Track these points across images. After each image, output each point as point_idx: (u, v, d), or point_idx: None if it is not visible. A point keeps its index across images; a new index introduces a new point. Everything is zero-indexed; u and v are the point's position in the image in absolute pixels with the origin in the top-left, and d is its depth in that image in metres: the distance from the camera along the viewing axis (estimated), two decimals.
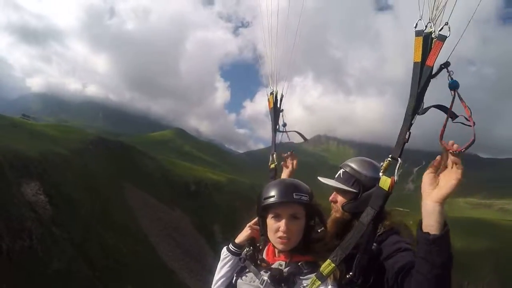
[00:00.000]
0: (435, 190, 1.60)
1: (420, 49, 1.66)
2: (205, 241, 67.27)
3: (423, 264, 1.58)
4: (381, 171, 1.79)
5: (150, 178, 74.08)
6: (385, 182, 1.74)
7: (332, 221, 2.52)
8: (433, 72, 1.68)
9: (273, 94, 3.39)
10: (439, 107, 1.69)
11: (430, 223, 1.57)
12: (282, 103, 3.44)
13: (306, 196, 2.02)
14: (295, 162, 3.41)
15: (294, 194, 1.98)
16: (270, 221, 2.04)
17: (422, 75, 1.65)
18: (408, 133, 1.70)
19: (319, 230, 2.29)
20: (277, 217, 2.00)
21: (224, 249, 2.48)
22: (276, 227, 2.00)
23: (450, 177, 1.55)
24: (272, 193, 2.02)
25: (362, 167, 2.48)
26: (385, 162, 1.79)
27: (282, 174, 3.36)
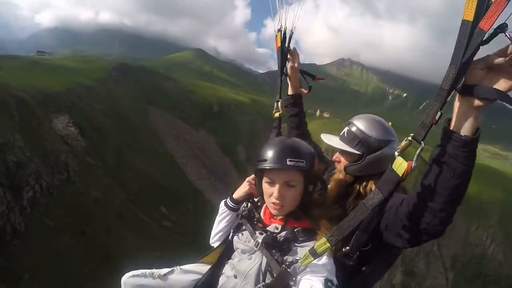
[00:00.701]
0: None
1: (475, 4, 1.24)
2: (229, 161, 69.69)
3: (443, 170, 1.36)
4: (398, 150, 1.48)
5: (173, 100, 74.62)
6: (400, 165, 1.43)
7: (334, 181, 2.33)
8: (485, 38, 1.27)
9: (281, 31, 2.89)
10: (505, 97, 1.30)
11: (464, 125, 1.31)
12: (290, 41, 2.92)
13: (303, 162, 1.81)
14: (295, 56, 2.93)
15: (288, 160, 1.79)
16: (265, 185, 1.91)
17: (472, 41, 1.26)
18: (439, 113, 1.33)
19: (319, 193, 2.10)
20: (271, 183, 1.87)
21: (222, 203, 2.36)
22: (269, 192, 1.88)
23: (499, 78, 1.27)
24: (266, 156, 1.84)
25: (368, 127, 2.21)
26: (404, 142, 1.46)
27: (291, 71, 2.93)
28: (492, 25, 1.20)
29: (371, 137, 2.15)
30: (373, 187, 1.74)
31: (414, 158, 1.36)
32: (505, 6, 1.18)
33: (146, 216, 44.79)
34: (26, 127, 37.49)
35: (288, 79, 2.96)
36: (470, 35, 1.24)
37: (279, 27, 2.87)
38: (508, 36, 1.20)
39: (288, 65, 2.88)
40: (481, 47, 1.26)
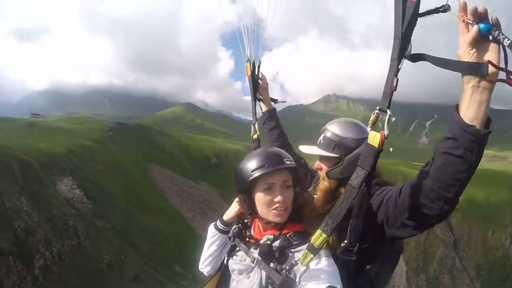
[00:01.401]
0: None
1: None
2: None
3: (458, 163, 1.30)
4: (369, 125, 1.53)
5: (171, 156, 72.45)
6: (374, 137, 1.48)
7: (320, 190, 2.22)
8: (421, 11, 1.38)
9: (250, 61, 3.08)
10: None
11: (478, 116, 1.26)
12: (259, 70, 3.14)
13: (294, 161, 1.82)
14: (263, 77, 3.12)
15: (284, 159, 1.77)
16: (261, 195, 1.79)
17: (406, 12, 1.36)
18: (395, 79, 1.42)
19: (315, 196, 2.14)
20: (270, 189, 1.78)
21: (211, 226, 2.24)
22: (269, 200, 1.78)
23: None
24: (261, 162, 1.76)
25: (341, 129, 2.16)
26: (373, 115, 1.52)
27: (261, 90, 3.16)
28: None
29: (347, 138, 2.11)
30: None
31: (385, 126, 1.43)
32: None
33: (162, 276, 40.58)
34: (30, 190, 34.19)
35: (260, 99, 3.14)
36: (404, 9, 1.36)
37: (247, 58, 3.04)
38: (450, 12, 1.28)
39: (260, 85, 3.07)
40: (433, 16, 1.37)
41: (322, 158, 2.28)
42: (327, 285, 1.49)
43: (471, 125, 1.26)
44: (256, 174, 1.77)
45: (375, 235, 1.80)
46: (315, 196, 2.22)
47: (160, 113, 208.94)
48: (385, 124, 1.44)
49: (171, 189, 63.70)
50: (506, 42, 1.21)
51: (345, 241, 1.68)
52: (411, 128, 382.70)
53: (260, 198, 1.82)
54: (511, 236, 56.97)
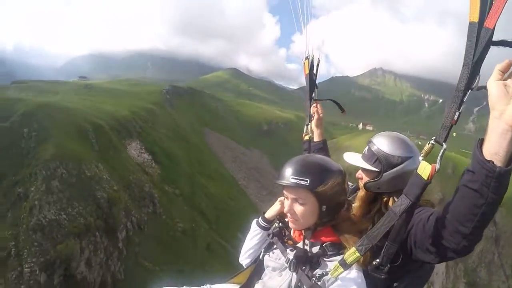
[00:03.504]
0: (509, 106, 1.09)
1: (478, 5, 1.17)
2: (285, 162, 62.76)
3: (474, 197, 1.20)
4: (422, 155, 1.37)
5: (223, 120, 67.81)
6: (424, 169, 1.31)
7: (358, 199, 2.07)
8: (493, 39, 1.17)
9: (308, 59, 2.68)
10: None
11: (497, 150, 1.13)
12: (318, 69, 2.75)
13: (306, 181, 1.57)
14: (319, 109, 2.73)
15: (291, 177, 1.58)
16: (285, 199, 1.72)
17: (479, 40, 1.17)
18: (457, 113, 1.25)
19: (353, 205, 2.01)
20: (286, 198, 1.68)
21: (254, 223, 2.09)
22: (285, 207, 1.69)
23: None
24: (280, 172, 1.66)
25: (386, 144, 1.97)
26: (427, 146, 1.36)
27: (313, 123, 2.80)
28: (496, 22, 1.15)
29: (388, 154, 1.96)
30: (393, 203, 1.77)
31: (438, 160, 1.29)
32: (506, 2, 1.13)
33: (230, 245, 36.97)
34: (106, 156, 30.30)
35: (315, 129, 2.80)
36: (478, 35, 1.19)
37: (306, 55, 2.72)
38: None
39: (314, 118, 2.75)
40: (495, 48, 1.20)
41: (363, 169, 2.06)
42: None
43: (489, 161, 1.13)
44: (275, 180, 1.68)
45: (406, 255, 1.63)
46: (353, 204, 2.03)
47: (205, 77, 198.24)
48: (438, 158, 1.26)
49: (225, 155, 59.61)
50: None
51: (377, 260, 1.56)
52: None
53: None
54: None
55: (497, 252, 50.24)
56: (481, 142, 1.18)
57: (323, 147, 2.80)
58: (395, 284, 1.85)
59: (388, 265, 1.57)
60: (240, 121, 69.57)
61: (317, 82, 2.78)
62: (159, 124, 48.02)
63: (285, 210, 1.67)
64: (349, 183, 2.31)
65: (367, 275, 1.58)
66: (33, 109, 28.70)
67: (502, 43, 1.16)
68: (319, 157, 1.79)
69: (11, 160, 24.06)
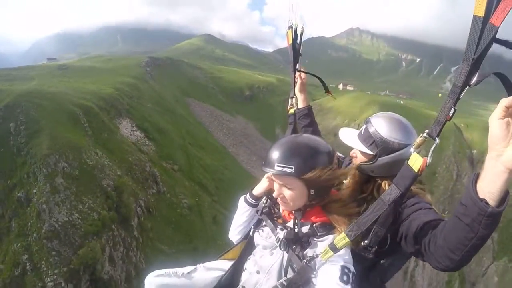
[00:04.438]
0: (509, 148, 1.02)
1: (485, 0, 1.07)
2: (271, 144, 61.07)
3: (465, 230, 1.19)
4: (413, 146, 1.32)
5: (205, 89, 64.29)
6: (415, 161, 1.28)
7: (350, 177, 1.94)
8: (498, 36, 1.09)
9: (292, 28, 2.44)
10: (500, 76, 1.13)
11: (491, 190, 1.08)
12: (302, 38, 2.50)
13: (291, 168, 1.49)
14: (302, 74, 2.56)
15: (276, 164, 1.50)
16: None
17: (483, 37, 1.09)
18: (453, 109, 1.18)
19: (344, 187, 1.94)
20: (274, 181, 1.62)
21: (241, 199, 1.98)
22: (274, 190, 1.64)
23: None
24: (266, 157, 1.56)
25: (384, 127, 1.82)
26: (420, 139, 1.30)
27: (296, 89, 2.61)
28: (503, 20, 1.06)
29: (386, 138, 1.82)
30: (386, 187, 1.72)
31: (429, 154, 1.25)
32: None
33: (232, 215, 36.43)
34: (102, 140, 27.62)
35: (299, 94, 2.61)
36: (482, 31, 1.10)
37: (290, 24, 2.48)
38: None
39: (297, 83, 2.57)
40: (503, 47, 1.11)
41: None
42: (341, 264, 1.44)
43: (481, 199, 1.10)
44: (262, 167, 1.61)
45: (394, 241, 1.64)
46: (344, 181, 1.93)
47: (178, 45, 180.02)
48: (430, 152, 1.24)
49: (212, 123, 57.28)
50: None
51: (366, 242, 1.57)
52: (435, 72, 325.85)
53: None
54: None
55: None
56: (476, 177, 1.13)
57: (308, 113, 2.63)
58: (381, 261, 1.80)
59: (376, 246, 1.56)
60: (221, 88, 66.27)
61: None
62: (144, 98, 44.56)
63: (274, 194, 1.60)
64: (340, 154, 2.20)
65: (354, 253, 1.55)
66: (15, 100, 24.87)
67: (506, 43, 1.09)
68: (307, 139, 1.66)
69: (1, 162, 20.95)
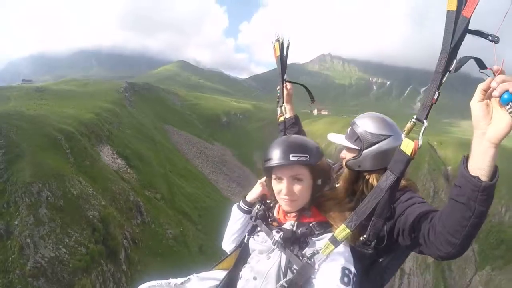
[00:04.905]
0: (491, 126, 1.12)
1: None
2: (249, 171, 60.29)
3: (462, 210, 1.22)
4: (404, 132, 1.38)
5: (182, 115, 63.22)
6: (407, 145, 1.33)
7: (341, 179, 2.04)
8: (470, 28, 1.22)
9: (279, 41, 2.55)
10: (477, 60, 1.24)
11: (481, 166, 1.15)
12: (288, 51, 2.59)
13: (306, 156, 1.56)
14: (288, 85, 2.65)
15: (291, 155, 1.55)
16: (274, 183, 1.63)
17: (457, 28, 1.22)
18: (437, 93, 1.28)
19: (336, 185, 1.96)
20: (279, 179, 1.60)
21: (235, 207, 1.97)
22: (279, 189, 1.60)
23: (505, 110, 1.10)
24: (271, 155, 1.59)
25: (366, 123, 1.97)
26: (409, 124, 1.36)
27: (288, 98, 2.70)
28: (473, 11, 1.20)
29: (367, 131, 1.95)
30: (375, 182, 1.77)
31: (420, 136, 1.30)
32: None
33: (217, 243, 34.87)
34: (84, 167, 25.86)
35: (286, 105, 2.68)
36: (455, 23, 1.23)
37: (276, 37, 2.61)
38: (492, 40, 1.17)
39: (285, 94, 2.65)
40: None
41: (346, 148, 2.06)
42: (342, 265, 1.42)
43: (474, 176, 1.15)
44: (265, 165, 1.62)
45: (391, 237, 1.65)
46: (337, 185, 1.99)
47: (154, 71, 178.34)
48: (421, 134, 1.29)
49: (190, 150, 56.00)
50: None
51: (364, 236, 1.57)
52: (405, 93, 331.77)
53: (273, 185, 1.65)
54: (506, 206, 56.70)
55: None
56: (466, 158, 1.20)
57: (295, 122, 2.72)
58: (380, 260, 1.80)
59: (375, 240, 1.56)
60: (198, 115, 65.57)
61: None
62: (123, 124, 42.86)
63: (285, 192, 1.57)
64: (329, 160, 2.27)
65: (354, 250, 1.55)
66: None
67: (478, 33, 1.20)
68: (302, 136, 1.78)
69: None
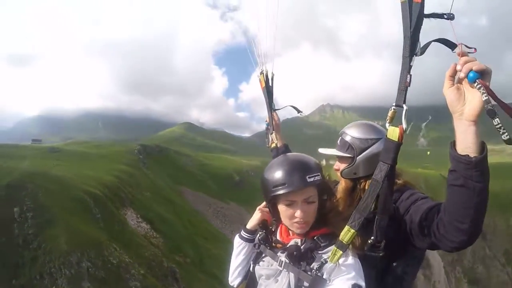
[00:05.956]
0: (465, 106, 1.17)
1: None
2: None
3: (462, 192, 1.20)
4: (387, 121, 1.37)
5: (195, 176, 60.82)
6: (393, 132, 1.32)
7: (338, 192, 2.00)
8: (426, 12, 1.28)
9: (263, 73, 2.62)
10: (440, 41, 1.26)
11: (467, 145, 1.17)
12: (273, 81, 2.65)
13: (319, 175, 1.51)
14: (275, 116, 2.72)
15: (307, 177, 1.47)
16: (283, 208, 1.54)
17: (412, 14, 1.27)
18: (409, 76, 1.30)
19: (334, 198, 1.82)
20: (291, 203, 1.51)
21: (237, 237, 1.94)
22: (290, 214, 1.52)
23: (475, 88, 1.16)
24: (282, 179, 1.48)
25: (354, 130, 1.97)
26: (390, 111, 1.35)
27: (276, 128, 2.68)
28: None
29: (358, 138, 1.94)
30: None
31: (402, 120, 1.30)
32: None
33: None
34: (115, 233, 22.97)
35: (275, 134, 2.69)
36: (410, 11, 1.26)
37: (260, 71, 2.64)
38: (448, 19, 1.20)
39: (274, 123, 2.68)
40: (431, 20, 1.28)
41: (339, 159, 2.05)
42: (353, 282, 1.33)
43: (463, 155, 1.16)
44: (278, 192, 1.49)
45: (400, 238, 1.57)
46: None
47: (160, 133, 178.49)
48: (403, 118, 1.30)
49: (208, 212, 52.60)
50: (484, 98, 1.08)
51: (372, 237, 1.49)
52: (407, 131, 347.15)
53: (283, 211, 1.55)
54: None
55: (487, 246, 52.71)
56: (453, 143, 1.22)
57: (285, 150, 2.61)
58: (394, 264, 1.71)
59: (384, 240, 1.46)
60: (210, 175, 63.36)
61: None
62: (142, 187, 40.18)
63: (301, 215, 1.49)
64: None
65: (364, 259, 1.47)
66: (18, 180, 20.28)
67: (433, 15, 1.24)
68: (300, 154, 1.69)
69: (3, 255, 15.61)
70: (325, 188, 1.55)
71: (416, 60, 1.26)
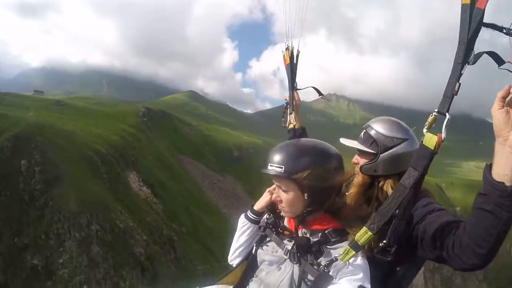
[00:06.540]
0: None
1: None
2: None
3: (489, 218, 1.15)
4: (426, 127, 1.30)
5: (196, 146, 60.11)
6: (430, 140, 1.25)
7: (354, 185, 1.88)
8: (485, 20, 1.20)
9: (288, 49, 2.50)
10: (489, 53, 1.20)
11: (506, 173, 1.12)
12: (298, 59, 2.52)
13: (281, 168, 1.38)
14: (296, 97, 2.62)
15: (269, 164, 1.41)
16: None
17: (472, 19, 1.19)
18: (457, 84, 1.22)
19: (347, 193, 1.77)
20: (276, 187, 1.51)
21: (242, 217, 1.83)
22: (275, 196, 1.52)
23: None
24: (266, 159, 1.48)
25: (382, 126, 1.84)
26: (431, 117, 1.29)
27: (296, 109, 2.62)
28: (487, 2, 1.16)
29: (384, 135, 1.81)
30: (390, 188, 1.68)
31: (443, 130, 1.23)
32: None
33: None
34: (120, 195, 22.66)
35: (294, 115, 2.62)
36: (470, 15, 1.19)
37: (286, 46, 2.52)
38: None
39: (294, 104, 2.63)
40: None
41: (360, 153, 1.93)
42: (360, 284, 1.29)
43: (499, 182, 1.11)
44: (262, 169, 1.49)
45: (409, 245, 1.53)
46: (347, 193, 1.81)
47: (163, 99, 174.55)
48: (443, 127, 1.23)
49: (204, 183, 52.42)
50: None
51: (384, 241, 1.41)
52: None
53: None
54: None
55: None
56: (489, 166, 1.16)
57: (302, 133, 2.59)
58: (397, 268, 1.68)
59: (395, 246, 1.40)
60: (211, 147, 62.69)
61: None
62: (145, 150, 39.55)
63: (273, 197, 1.52)
64: None
65: (372, 261, 1.44)
66: (26, 132, 19.43)
67: (493, 26, 1.17)
68: (304, 140, 1.60)
69: (6, 210, 15.07)
70: (306, 187, 1.36)
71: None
